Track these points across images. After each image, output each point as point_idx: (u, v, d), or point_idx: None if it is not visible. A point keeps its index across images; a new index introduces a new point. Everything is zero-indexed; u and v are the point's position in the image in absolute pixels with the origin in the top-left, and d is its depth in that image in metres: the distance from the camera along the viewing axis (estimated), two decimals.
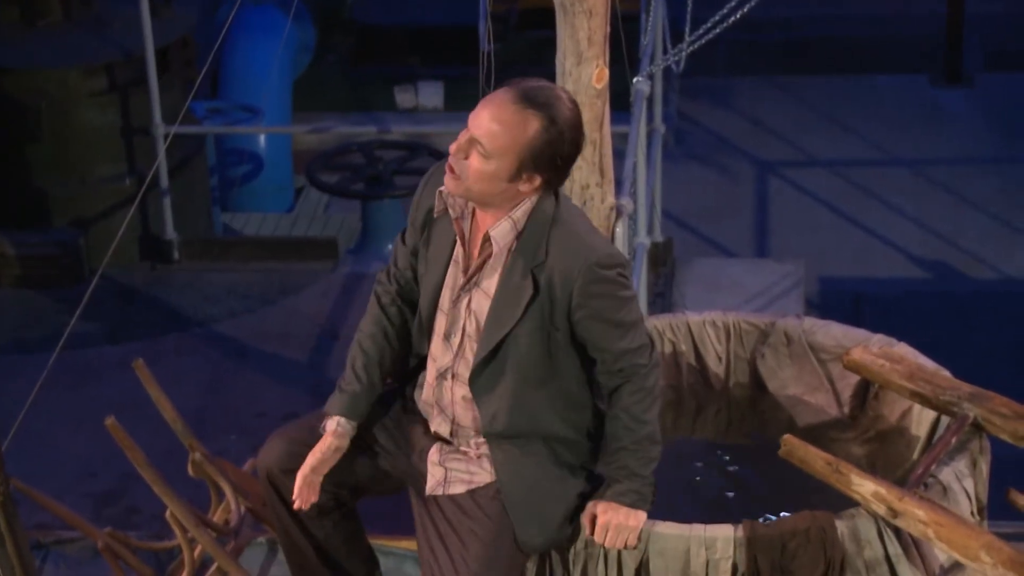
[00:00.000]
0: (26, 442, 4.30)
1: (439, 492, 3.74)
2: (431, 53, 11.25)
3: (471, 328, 3.68)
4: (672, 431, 4.39)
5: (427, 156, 9.30)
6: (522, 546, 3.72)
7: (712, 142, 10.20)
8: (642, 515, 3.63)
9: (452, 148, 3.57)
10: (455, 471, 3.73)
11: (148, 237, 8.33)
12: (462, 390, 3.71)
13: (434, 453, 3.76)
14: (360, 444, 3.85)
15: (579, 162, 4.83)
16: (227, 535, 4.35)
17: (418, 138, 9.59)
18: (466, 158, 3.54)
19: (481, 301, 3.65)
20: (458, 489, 3.72)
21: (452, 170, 3.57)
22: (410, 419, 3.85)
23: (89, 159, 8.19)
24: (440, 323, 3.73)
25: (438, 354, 3.75)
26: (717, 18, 6.17)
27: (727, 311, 4.49)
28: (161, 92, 8.06)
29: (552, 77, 4.83)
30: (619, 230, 5.01)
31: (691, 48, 6.37)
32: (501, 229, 3.61)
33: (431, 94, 10.66)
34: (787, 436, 3.70)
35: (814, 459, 3.66)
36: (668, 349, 4.41)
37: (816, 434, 4.16)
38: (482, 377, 3.67)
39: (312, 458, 3.76)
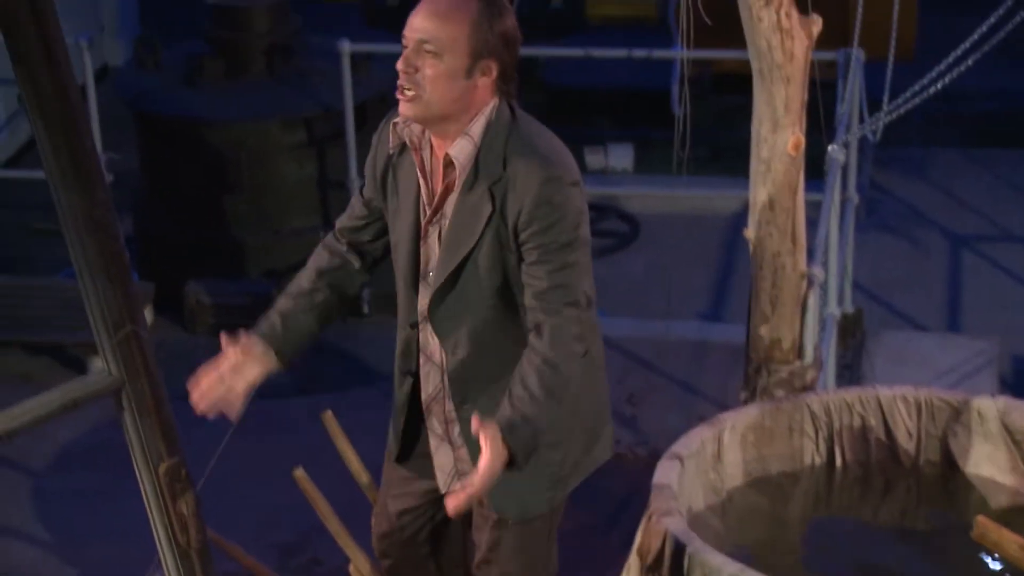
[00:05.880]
0: (213, 490, 4.37)
1: (456, 488, 3.75)
2: (622, 115, 11.28)
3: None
4: (859, 508, 4.32)
5: (615, 218, 9.31)
6: (499, 514, 3.74)
7: (905, 213, 10.04)
8: (499, 465, 3.40)
9: (400, 66, 3.45)
10: (461, 467, 3.78)
11: None
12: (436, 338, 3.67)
13: (439, 456, 3.83)
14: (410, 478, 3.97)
15: (771, 229, 4.82)
16: None
17: (607, 200, 9.60)
18: (417, 71, 3.45)
19: (447, 228, 3.58)
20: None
21: (405, 91, 3.45)
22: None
23: (285, 210, 8.34)
24: (420, 265, 3.67)
25: (421, 297, 3.69)
26: (916, 88, 6.09)
27: (919, 386, 4.41)
28: (358, 147, 8.19)
29: (747, 143, 4.82)
30: (810, 299, 4.96)
31: (889, 118, 6.29)
32: (460, 146, 3.50)
33: (621, 156, 10.66)
34: (980, 517, 3.60)
35: (1008, 543, 3.56)
36: (857, 423, 4.34)
37: (1010, 517, 4.05)
38: (442, 308, 3.58)
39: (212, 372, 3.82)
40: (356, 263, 3.90)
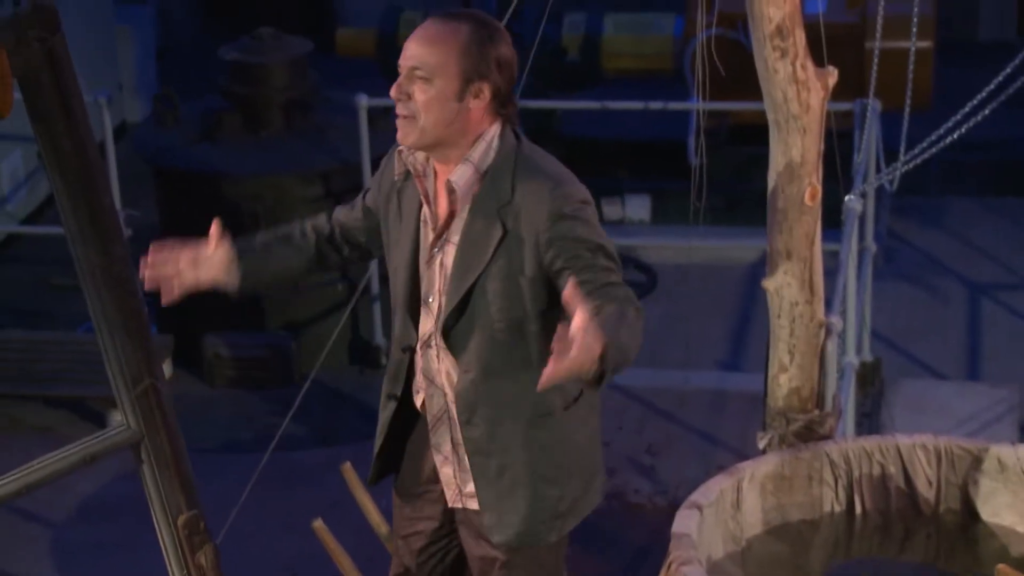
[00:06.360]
0: (232, 542, 4.38)
1: (459, 504, 3.83)
2: (638, 166, 11.30)
3: (444, 285, 3.64)
4: (878, 557, 4.30)
5: (633, 269, 9.31)
6: (489, 537, 3.73)
7: (922, 262, 10.05)
8: (596, 345, 3.07)
9: (393, 93, 3.52)
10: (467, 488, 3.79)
11: (357, 342, 8.47)
12: (448, 359, 3.67)
13: (445, 474, 3.83)
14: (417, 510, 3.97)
15: (788, 279, 4.82)
16: None
17: (624, 251, 9.62)
18: (410, 98, 3.49)
19: (452, 254, 3.61)
20: (472, 504, 3.79)
21: (401, 119, 3.52)
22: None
23: None
24: (421, 290, 3.71)
25: (422, 322, 3.73)
26: (933, 138, 6.10)
27: (938, 434, 4.40)
28: None
29: (763, 193, 4.82)
30: (828, 348, 4.95)
31: (905, 168, 6.30)
32: (459, 172, 3.54)
33: (638, 207, 10.69)
34: (1001, 566, 3.60)
35: None
36: (876, 472, 4.33)
37: None
38: (454, 332, 3.60)
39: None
40: (341, 251, 3.97)
